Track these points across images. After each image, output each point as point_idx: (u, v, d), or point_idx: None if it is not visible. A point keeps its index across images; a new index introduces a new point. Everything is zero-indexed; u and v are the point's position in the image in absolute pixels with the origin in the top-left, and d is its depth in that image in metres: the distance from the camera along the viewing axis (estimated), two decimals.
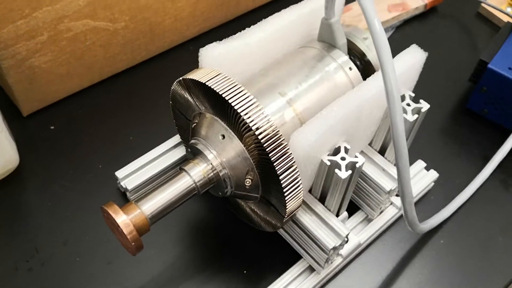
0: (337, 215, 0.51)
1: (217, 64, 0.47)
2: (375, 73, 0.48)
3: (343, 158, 0.45)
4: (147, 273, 0.52)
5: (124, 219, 0.41)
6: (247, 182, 0.44)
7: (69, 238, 0.54)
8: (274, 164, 0.41)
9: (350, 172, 0.45)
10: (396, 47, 0.73)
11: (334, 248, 0.47)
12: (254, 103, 0.41)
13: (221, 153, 0.44)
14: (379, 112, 0.49)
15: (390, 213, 0.57)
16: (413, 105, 0.49)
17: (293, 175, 0.42)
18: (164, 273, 0.53)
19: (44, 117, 0.65)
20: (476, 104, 0.67)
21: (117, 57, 0.67)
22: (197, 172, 0.44)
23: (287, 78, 0.48)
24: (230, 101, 0.41)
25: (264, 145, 0.40)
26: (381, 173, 0.53)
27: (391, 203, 0.57)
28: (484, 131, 0.67)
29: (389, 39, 0.72)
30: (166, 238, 0.55)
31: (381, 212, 0.56)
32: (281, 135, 0.41)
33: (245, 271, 0.53)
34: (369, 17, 0.38)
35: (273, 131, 0.41)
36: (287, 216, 0.45)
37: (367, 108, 0.47)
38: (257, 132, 0.40)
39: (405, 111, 0.49)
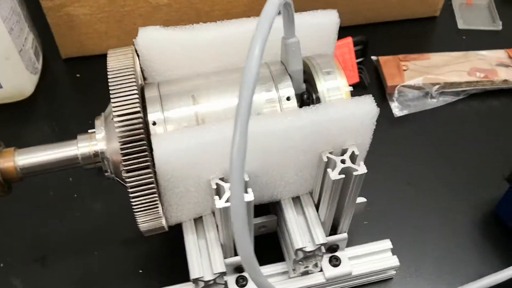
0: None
1: (158, 49, 0.45)
2: (309, 106, 0.41)
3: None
4: None
5: None
6: (123, 172, 0.42)
7: None
8: (124, 163, 0.38)
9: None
10: (456, 116, 0.64)
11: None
12: (134, 101, 0.38)
13: (109, 135, 0.42)
14: (306, 155, 0.42)
15: (315, 279, 0.48)
16: (345, 164, 0.41)
17: (143, 182, 0.38)
18: None
19: (77, 65, 0.70)
20: (505, 210, 0.53)
21: None
22: (84, 145, 0.43)
23: (212, 89, 0.43)
24: (111, 89, 0.38)
25: (121, 144, 0.38)
26: (299, 227, 0.46)
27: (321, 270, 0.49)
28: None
29: (451, 105, 0.62)
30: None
31: (304, 273, 0.48)
32: (142, 140, 0.38)
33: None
34: (254, 38, 0.32)
35: (134, 135, 0.38)
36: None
37: (282, 142, 0.40)
38: (118, 130, 0.38)
39: (333, 164, 0.41)
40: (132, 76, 0.39)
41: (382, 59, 0.67)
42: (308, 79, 0.45)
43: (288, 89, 0.43)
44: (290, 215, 0.47)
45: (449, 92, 0.64)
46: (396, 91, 0.63)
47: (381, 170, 0.58)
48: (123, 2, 0.64)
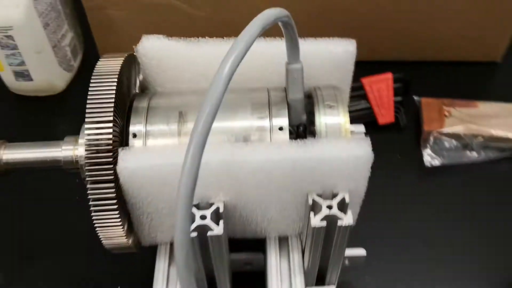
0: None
1: (159, 59, 0.43)
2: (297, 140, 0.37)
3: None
4: None
5: None
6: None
7: None
8: (87, 173, 0.36)
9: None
10: (497, 176, 0.56)
11: None
12: (107, 110, 0.36)
13: None
14: (290, 193, 0.38)
15: None
16: (331, 211, 0.36)
17: (104, 196, 0.36)
18: None
19: None
20: None
21: None
22: (68, 148, 0.41)
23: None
24: (89, 97, 0.37)
25: (86, 153, 0.36)
26: (279, 272, 0.41)
27: None
28: None
29: (494, 162, 0.55)
30: None
31: None
32: (109, 152, 0.36)
33: None
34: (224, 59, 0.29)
35: (100, 144, 0.36)
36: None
37: (259, 175, 0.36)
38: (85, 138, 0.36)
39: (318, 208, 0.37)
40: (113, 83, 0.37)
41: (425, 100, 0.61)
42: (312, 110, 0.41)
43: (282, 119, 0.39)
44: (272, 257, 0.42)
45: (493, 148, 0.57)
46: (431, 137, 0.57)
47: (398, 225, 0.52)
48: (161, 10, 0.63)
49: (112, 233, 0.38)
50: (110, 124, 0.36)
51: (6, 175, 0.42)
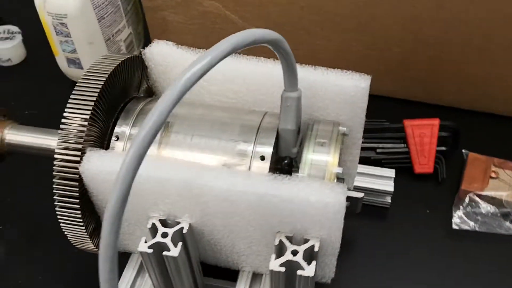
0: None
1: (164, 65, 0.42)
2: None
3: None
4: None
5: None
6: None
7: None
8: (55, 167, 0.36)
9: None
10: None
11: None
12: (86, 108, 0.36)
13: None
14: (258, 229, 0.35)
15: None
16: (294, 257, 0.33)
17: (67, 194, 0.36)
18: None
19: None
20: None
21: None
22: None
23: (189, 121, 0.39)
24: (73, 93, 0.37)
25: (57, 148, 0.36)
26: None
27: None
28: None
29: None
30: None
31: None
32: (77, 150, 0.35)
33: None
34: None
35: (71, 141, 0.36)
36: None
37: (223, 204, 0.34)
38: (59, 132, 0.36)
39: (283, 251, 0.33)
40: (100, 82, 0.36)
41: (472, 156, 0.55)
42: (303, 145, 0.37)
43: (266, 148, 0.36)
44: None
45: None
46: (467, 198, 0.51)
47: (413, 282, 0.47)
48: (214, 18, 0.63)
49: (75, 231, 0.37)
50: (85, 123, 0.35)
51: (8, 155, 0.44)
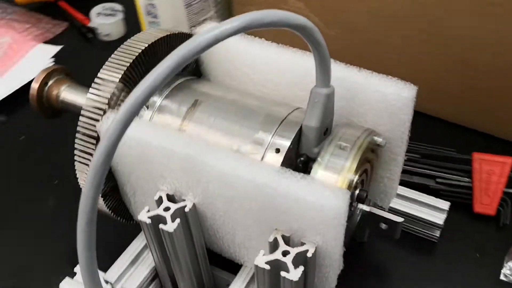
0: None
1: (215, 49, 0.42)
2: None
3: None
4: None
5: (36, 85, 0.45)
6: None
7: None
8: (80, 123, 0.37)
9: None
10: None
11: None
12: (118, 71, 0.37)
13: None
14: (256, 223, 0.33)
15: None
16: (283, 257, 0.31)
17: (84, 150, 0.37)
18: None
19: None
20: None
21: None
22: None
23: (219, 104, 0.38)
24: (111, 56, 0.38)
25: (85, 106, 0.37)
26: None
27: None
28: None
29: None
30: None
31: None
32: (101, 109, 0.36)
33: None
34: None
35: (98, 101, 0.37)
36: None
37: (224, 187, 0.33)
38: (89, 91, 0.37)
39: (274, 248, 0.32)
40: (137, 49, 0.37)
41: None
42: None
43: (284, 141, 0.35)
44: (236, 285, 0.38)
45: None
46: None
47: None
48: None
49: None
50: (113, 84, 0.36)
51: (63, 112, 0.46)
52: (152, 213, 0.35)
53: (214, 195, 0.34)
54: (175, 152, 0.33)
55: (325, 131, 0.35)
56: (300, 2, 0.60)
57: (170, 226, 0.34)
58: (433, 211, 0.48)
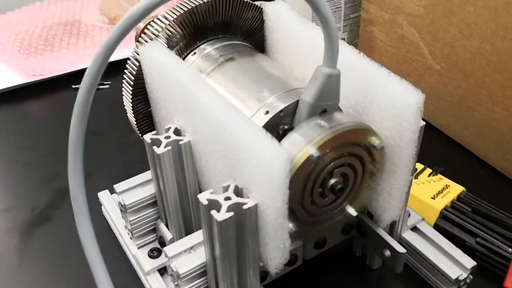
0: None
1: (279, 22, 0.44)
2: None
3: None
4: None
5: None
6: None
7: None
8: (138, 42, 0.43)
9: (167, 149, 0.38)
10: None
11: None
12: (176, 15, 0.41)
13: None
14: (224, 168, 0.35)
15: None
16: (231, 200, 0.32)
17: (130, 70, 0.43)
18: None
19: None
20: None
21: None
22: None
23: (251, 65, 0.41)
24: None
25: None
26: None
27: None
28: None
29: None
30: None
31: None
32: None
33: None
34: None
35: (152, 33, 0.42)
36: None
37: (208, 119, 0.35)
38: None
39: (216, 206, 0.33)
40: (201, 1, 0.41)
41: None
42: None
43: (276, 105, 0.36)
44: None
45: None
46: None
47: None
48: (408, 46, 0.61)
49: (128, 107, 0.44)
50: (167, 22, 0.41)
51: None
52: (154, 136, 0.39)
53: (200, 133, 0.37)
54: (183, 86, 0.37)
55: (322, 112, 0.35)
56: (413, 29, 0.59)
57: (160, 149, 0.38)
58: (452, 263, 0.43)
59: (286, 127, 0.35)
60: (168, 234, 0.44)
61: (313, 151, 0.32)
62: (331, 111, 0.36)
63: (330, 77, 0.34)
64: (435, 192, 0.50)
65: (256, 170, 0.31)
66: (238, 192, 0.34)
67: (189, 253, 0.39)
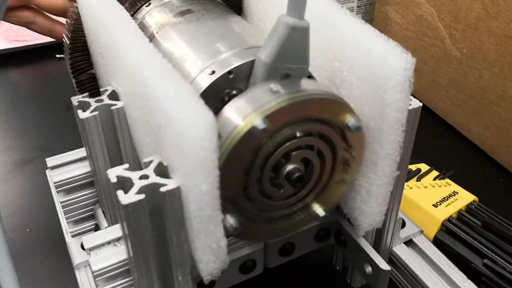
0: None
1: None
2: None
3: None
4: None
5: None
6: None
7: None
8: None
9: (93, 114, 0.31)
10: None
11: None
12: None
13: None
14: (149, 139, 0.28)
15: None
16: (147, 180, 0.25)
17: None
18: None
19: None
20: None
21: (430, 84, 0.52)
22: None
23: (214, 21, 0.33)
24: None
25: None
26: None
27: None
28: None
29: None
30: None
31: None
32: None
33: None
34: None
35: None
36: None
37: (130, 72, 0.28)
38: None
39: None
40: None
41: None
42: None
43: (224, 64, 0.28)
44: None
45: None
46: None
47: None
48: (426, 29, 0.52)
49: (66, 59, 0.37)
50: None
51: None
52: (82, 99, 0.32)
53: (127, 95, 0.29)
54: (108, 34, 0.29)
55: (285, 76, 0.27)
56: (432, 8, 0.50)
57: (83, 114, 0.31)
58: None
59: (234, 92, 0.27)
60: (103, 222, 0.37)
61: (257, 121, 0.24)
62: (301, 76, 0.28)
63: (295, 30, 0.26)
64: (439, 198, 0.41)
65: (173, 140, 0.23)
66: (162, 170, 0.26)
67: (113, 246, 0.31)
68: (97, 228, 0.38)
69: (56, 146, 0.51)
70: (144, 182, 0.25)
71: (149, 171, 0.25)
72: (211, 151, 0.22)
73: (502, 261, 0.36)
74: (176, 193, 0.24)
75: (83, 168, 0.37)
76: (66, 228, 0.39)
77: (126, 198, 0.24)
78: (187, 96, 0.23)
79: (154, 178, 0.25)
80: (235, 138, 0.24)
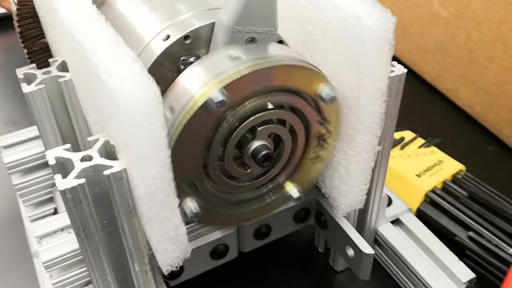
0: None
1: None
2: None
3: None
4: None
5: None
6: None
7: None
8: None
9: (38, 87, 0.28)
10: None
11: None
12: None
13: None
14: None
15: None
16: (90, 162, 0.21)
17: None
18: None
19: None
20: None
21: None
22: None
23: None
24: None
25: None
26: None
27: None
28: None
29: None
30: None
31: None
32: None
33: None
34: None
35: None
36: None
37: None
38: None
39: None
40: None
41: None
42: None
43: (180, 27, 0.24)
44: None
45: None
46: None
47: None
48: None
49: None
50: None
51: None
52: (28, 71, 0.28)
53: (72, 66, 0.26)
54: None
55: (250, 42, 0.24)
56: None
57: (27, 88, 0.27)
58: (443, 274, 0.32)
59: (191, 59, 0.24)
60: (62, 206, 0.34)
61: (214, 93, 0.21)
62: (267, 40, 0.24)
63: None
64: (423, 168, 0.38)
65: (115, 117, 0.20)
66: (109, 151, 0.23)
67: (68, 233, 0.28)
68: (56, 212, 0.35)
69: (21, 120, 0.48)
70: (86, 164, 0.22)
71: (93, 151, 0.22)
72: (157, 128, 0.19)
73: (488, 233, 0.34)
74: (122, 176, 0.21)
75: (39, 147, 0.34)
76: (25, 212, 0.36)
77: (63, 183, 0.21)
78: (128, 65, 0.20)
79: (97, 160, 0.22)
80: (189, 112, 0.21)
